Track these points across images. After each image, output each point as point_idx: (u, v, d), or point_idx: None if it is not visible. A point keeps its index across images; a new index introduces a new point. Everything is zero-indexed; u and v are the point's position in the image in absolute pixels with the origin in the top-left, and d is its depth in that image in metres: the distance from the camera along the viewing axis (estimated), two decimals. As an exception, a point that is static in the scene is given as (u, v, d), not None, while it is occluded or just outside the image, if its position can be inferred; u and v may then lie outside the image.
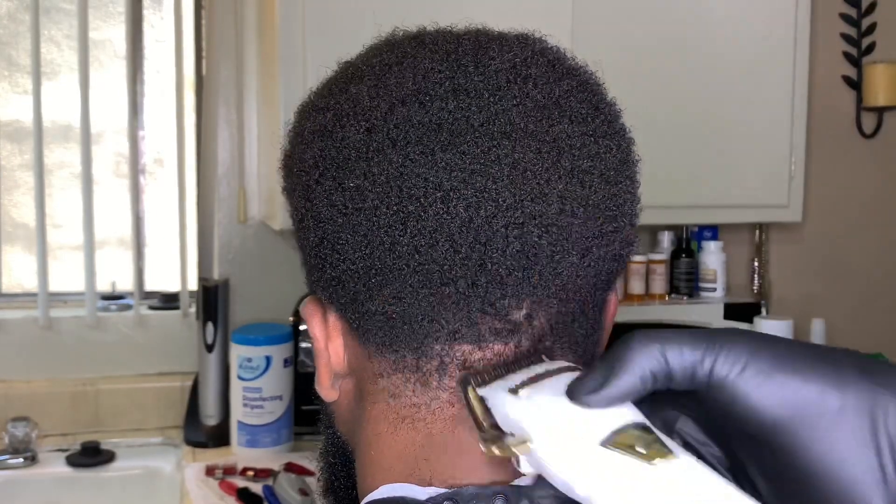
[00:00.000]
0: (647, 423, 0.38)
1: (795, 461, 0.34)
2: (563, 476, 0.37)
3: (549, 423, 0.38)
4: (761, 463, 0.35)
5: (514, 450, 0.38)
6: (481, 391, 0.42)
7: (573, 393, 0.38)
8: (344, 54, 0.52)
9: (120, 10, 2.08)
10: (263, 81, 1.93)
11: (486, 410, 0.41)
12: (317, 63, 1.62)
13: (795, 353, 0.35)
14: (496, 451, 0.39)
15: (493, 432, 0.40)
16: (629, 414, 0.38)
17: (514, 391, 0.40)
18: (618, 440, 0.37)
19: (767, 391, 0.34)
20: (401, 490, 0.45)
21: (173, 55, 2.01)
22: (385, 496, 0.45)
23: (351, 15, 1.64)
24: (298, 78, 1.63)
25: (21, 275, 2.11)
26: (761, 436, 0.35)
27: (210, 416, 1.89)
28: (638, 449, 0.36)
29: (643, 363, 0.36)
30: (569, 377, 0.40)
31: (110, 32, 2.11)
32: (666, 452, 0.36)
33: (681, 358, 0.35)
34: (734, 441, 0.37)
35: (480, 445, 0.40)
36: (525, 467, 0.40)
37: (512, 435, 0.39)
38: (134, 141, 2.07)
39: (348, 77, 0.48)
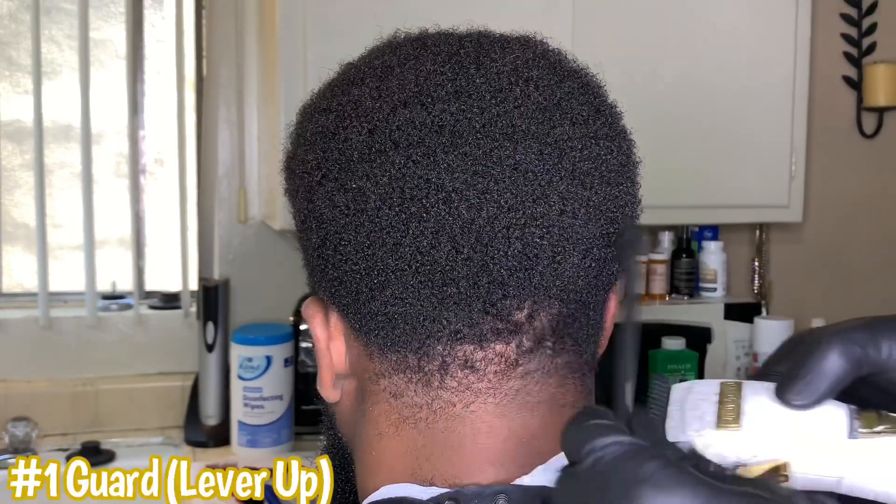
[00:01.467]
0: (854, 405, 0.41)
1: None
2: (823, 474, 0.39)
3: (790, 440, 0.40)
4: None
5: (774, 481, 0.40)
6: (671, 438, 0.42)
7: (787, 399, 0.40)
8: (345, 54, 0.52)
9: (120, 9, 2.08)
10: (263, 81, 1.93)
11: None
12: (317, 63, 1.62)
13: None
14: None
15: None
16: (836, 405, 0.41)
17: (724, 426, 0.41)
18: (861, 428, 0.39)
19: None
20: (402, 490, 0.45)
21: (174, 55, 2.01)
22: (387, 496, 0.45)
23: (351, 15, 1.64)
24: (299, 78, 1.63)
25: (21, 275, 2.11)
26: None
27: (210, 416, 1.89)
28: (888, 425, 0.39)
29: (844, 365, 0.40)
30: (752, 395, 0.41)
31: (111, 32, 2.11)
32: None
33: (870, 358, 0.40)
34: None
35: None
36: None
37: (744, 465, 0.40)
38: (134, 141, 2.07)
39: (350, 79, 0.48)
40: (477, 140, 0.43)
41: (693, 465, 0.35)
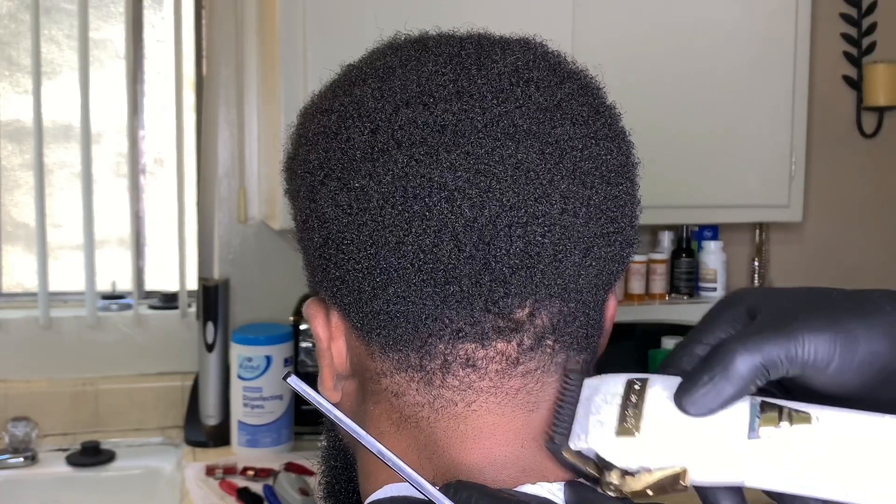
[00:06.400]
0: (762, 398, 0.41)
1: (859, 406, 0.41)
2: (727, 473, 0.40)
3: (689, 447, 0.40)
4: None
5: (673, 488, 0.40)
6: (574, 446, 0.42)
7: (687, 408, 0.41)
8: (344, 54, 0.52)
9: (120, 9, 2.08)
10: (263, 81, 1.93)
11: (593, 461, 0.42)
12: (317, 63, 1.62)
13: (869, 331, 0.40)
14: (650, 493, 0.40)
15: (621, 480, 0.41)
16: (741, 399, 0.41)
17: (623, 433, 0.41)
18: (762, 427, 0.40)
19: (852, 373, 0.40)
20: (404, 489, 0.45)
21: (173, 55, 2.01)
22: (388, 495, 0.45)
23: (351, 15, 1.64)
24: (299, 78, 1.63)
25: (21, 275, 2.11)
26: (839, 398, 0.41)
27: (210, 415, 1.89)
28: (787, 421, 0.39)
29: (747, 374, 0.40)
30: (654, 397, 0.41)
31: (110, 32, 2.11)
32: (805, 413, 0.40)
33: (778, 365, 0.40)
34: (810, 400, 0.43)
35: (608, 492, 0.41)
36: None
37: (648, 470, 0.40)
38: (134, 141, 2.07)
39: (352, 80, 0.48)
40: (479, 139, 0.43)
41: None
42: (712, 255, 2.19)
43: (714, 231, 2.22)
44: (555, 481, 0.44)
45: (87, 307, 2.01)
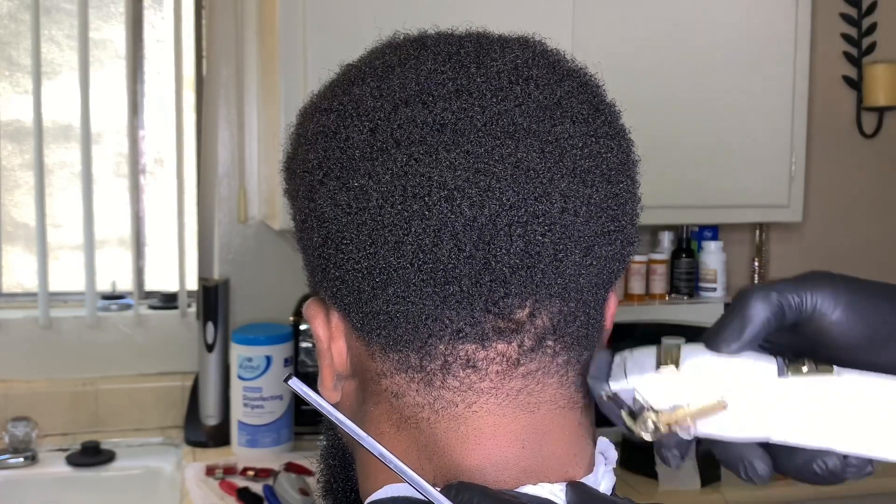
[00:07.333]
0: (787, 356, 0.44)
1: (871, 365, 0.44)
2: (757, 419, 0.43)
3: (721, 382, 0.43)
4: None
5: (714, 412, 0.43)
6: (614, 387, 0.45)
7: (716, 345, 0.44)
8: (344, 54, 0.52)
9: (120, 10, 2.08)
10: (263, 81, 1.93)
11: (628, 406, 0.45)
12: (317, 63, 1.62)
13: (872, 286, 0.45)
14: (689, 421, 0.43)
15: (657, 417, 0.44)
16: (768, 356, 0.44)
17: (663, 371, 0.44)
18: (790, 373, 0.43)
19: (857, 319, 0.44)
20: (404, 490, 0.45)
21: (173, 55, 2.01)
22: (388, 496, 0.45)
23: (351, 15, 1.64)
24: (299, 78, 1.63)
25: (21, 275, 2.11)
26: (850, 348, 0.44)
27: (210, 415, 1.89)
28: (813, 367, 0.43)
29: (765, 310, 0.44)
30: (689, 347, 0.45)
31: (110, 32, 2.11)
32: (828, 366, 0.43)
33: (791, 304, 0.44)
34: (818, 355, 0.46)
35: (640, 432, 0.44)
36: (702, 429, 0.44)
37: (680, 407, 0.43)
38: (134, 141, 2.07)
39: (351, 79, 0.48)
40: (478, 138, 0.43)
41: None
42: (712, 256, 2.19)
43: (714, 231, 2.22)
44: (556, 482, 0.44)
45: (87, 307, 2.01)
